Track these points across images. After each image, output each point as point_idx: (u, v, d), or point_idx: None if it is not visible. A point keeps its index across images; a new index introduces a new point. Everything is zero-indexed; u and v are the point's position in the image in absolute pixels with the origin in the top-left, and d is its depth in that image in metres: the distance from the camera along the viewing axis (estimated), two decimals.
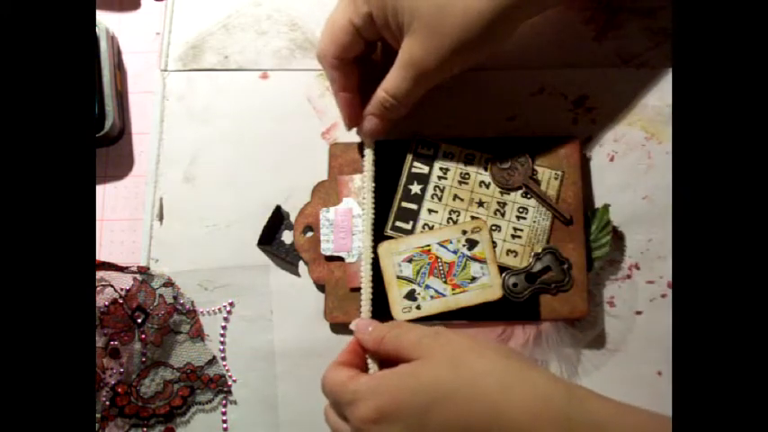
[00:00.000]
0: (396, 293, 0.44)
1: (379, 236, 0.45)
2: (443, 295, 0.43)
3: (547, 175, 0.45)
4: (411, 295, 0.43)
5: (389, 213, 0.45)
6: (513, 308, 0.43)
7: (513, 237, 0.44)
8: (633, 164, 0.46)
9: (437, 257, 0.44)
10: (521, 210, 0.44)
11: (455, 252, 0.44)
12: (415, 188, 0.45)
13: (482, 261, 0.43)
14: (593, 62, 0.48)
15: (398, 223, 0.45)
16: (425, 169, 0.45)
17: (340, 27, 0.42)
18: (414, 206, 0.45)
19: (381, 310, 0.43)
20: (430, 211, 0.45)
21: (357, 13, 0.41)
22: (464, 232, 0.44)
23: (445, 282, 0.43)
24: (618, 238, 0.45)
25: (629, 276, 0.45)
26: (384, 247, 0.44)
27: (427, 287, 0.43)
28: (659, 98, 0.46)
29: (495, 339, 0.43)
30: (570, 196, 0.44)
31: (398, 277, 0.44)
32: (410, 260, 0.44)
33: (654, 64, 0.47)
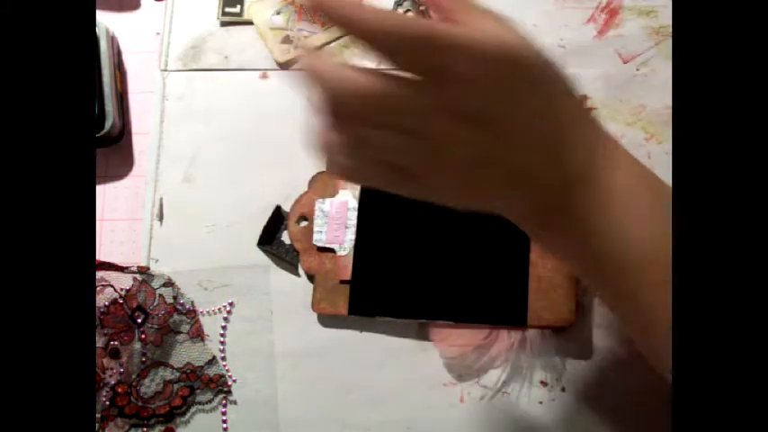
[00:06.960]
0: (272, 41, 0.49)
1: None
2: (315, 33, 0.49)
3: None
4: (287, 39, 0.49)
5: None
6: (499, 312, 0.43)
7: None
8: None
9: (300, 5, 0.50)
10: None
11: None
12: None
13: None
14: (594, 62, 0.47)
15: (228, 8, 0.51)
16: None
17: None
18: None
19: (364, 303, 0.44)
20: None
21: None
22: None
23: (314, 22, 0.50)
24: None
25: None
26: (255, 7, 0.50)
27: (300, 30, 0.49)
28: (659, 98, 0.46)
29: (480, 342, 0.43)
30: None
31: (272, 28, 0.49)
32: (278, 13, 0.49)
33: (654, 64, 0.47)
